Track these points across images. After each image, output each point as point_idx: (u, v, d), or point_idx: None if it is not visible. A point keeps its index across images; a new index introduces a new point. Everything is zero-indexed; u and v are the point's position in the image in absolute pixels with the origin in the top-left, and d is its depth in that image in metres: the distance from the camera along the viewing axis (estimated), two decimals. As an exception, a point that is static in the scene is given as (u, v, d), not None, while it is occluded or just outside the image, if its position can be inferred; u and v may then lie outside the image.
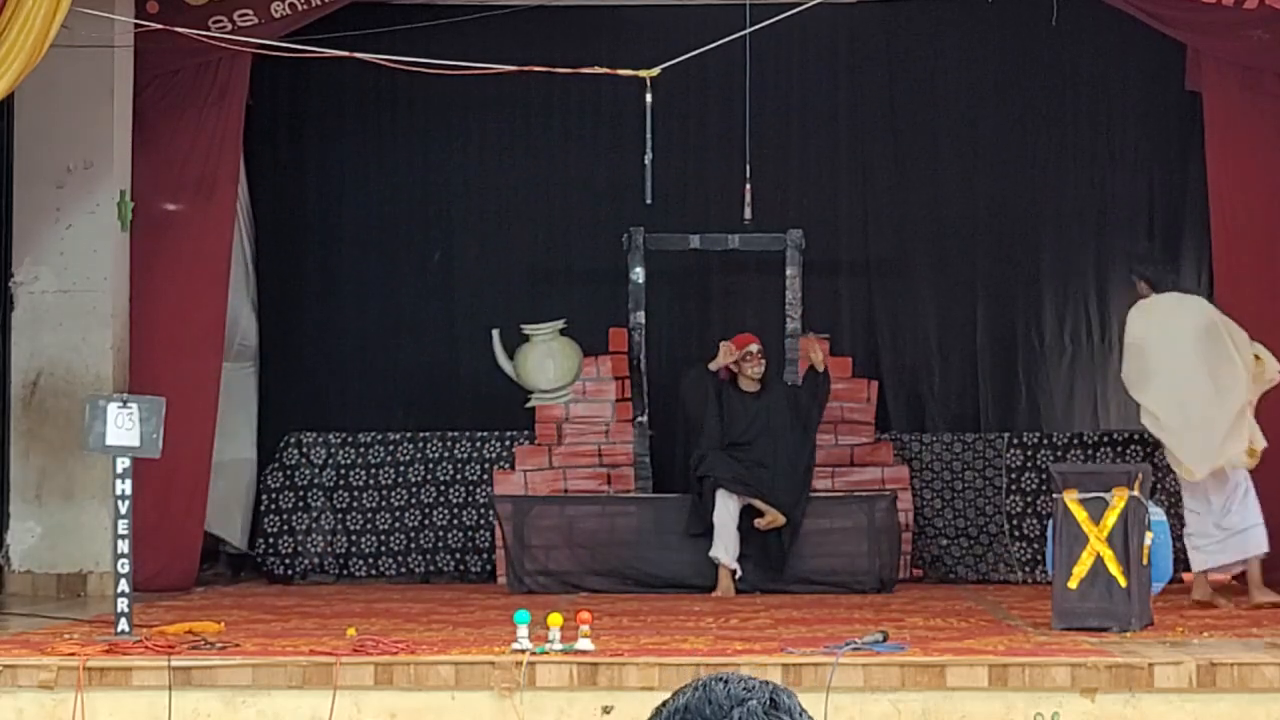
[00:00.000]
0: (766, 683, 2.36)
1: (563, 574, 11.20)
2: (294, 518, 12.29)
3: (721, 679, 2.36)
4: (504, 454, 12.30)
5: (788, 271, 11.94)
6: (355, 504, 12.36)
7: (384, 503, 12.35)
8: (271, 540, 12.27)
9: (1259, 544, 9.96)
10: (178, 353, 11.18)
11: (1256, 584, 9.93)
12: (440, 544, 12.32)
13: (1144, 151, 12.80)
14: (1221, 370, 9.99)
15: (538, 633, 7.63)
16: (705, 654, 7.70)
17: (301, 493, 12.33)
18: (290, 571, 12.19)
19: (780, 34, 10.72)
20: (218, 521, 12.12)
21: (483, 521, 12.25)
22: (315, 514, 12.29)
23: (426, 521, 12.34)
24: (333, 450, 12.39)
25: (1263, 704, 7.27)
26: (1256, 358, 10.09)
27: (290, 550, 12.25)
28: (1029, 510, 12.19)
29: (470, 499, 12.34)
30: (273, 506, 12.31)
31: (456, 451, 12.41)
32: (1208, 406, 9.90)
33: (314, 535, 12.26)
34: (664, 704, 2.36)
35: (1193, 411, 9.90)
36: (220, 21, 10.97)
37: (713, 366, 11.38)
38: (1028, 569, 11.95)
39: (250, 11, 11.05)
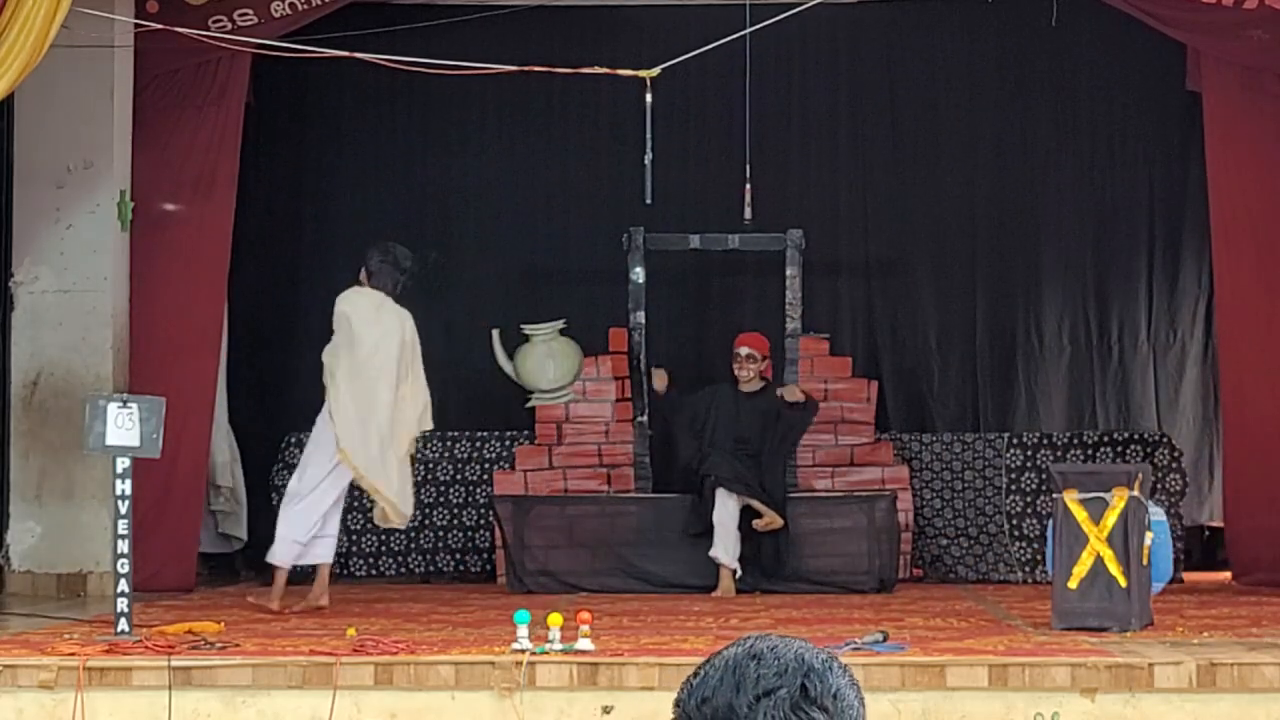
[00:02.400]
0: (801, 662, 2.22)
1: (563, 574, 11.19)
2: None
3: (755, 656, 2.22)
4: (504, 454, 12.30)
5: (788, 271, 11.94)
6: (356, 503, 12.33)
7: (384, 503, 12.33)
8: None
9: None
10: (176, 352, 11.18)
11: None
12: (440, 544, 12.32)
13: (1144, 151, 12.80)
14: (406, 394, 9.71)
15: (538, 633, 7.63)
16: (705, 654, 7.67)
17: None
18: (299, 568, 12.14)
19: (780, 34, 10.72)
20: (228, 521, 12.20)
21: (482, 521, 12.25)
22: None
23: (427, 522, 12.33)
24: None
25: (1263, 704, 7.27)
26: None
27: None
28: (1029, 510, 12.19)
29: (470, 499, 12.34)
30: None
31: (456, 451, 12.40)
32: (387, 427, 9.61)
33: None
34: (697, 674, 2.23)
35: (377, 426, 9.59)
36: (220, 21, 10.96)
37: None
38: (1028, 569, 11.95)
39: (250, 11, 11.05)
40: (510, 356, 11.99)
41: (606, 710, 7.35)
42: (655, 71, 9.56)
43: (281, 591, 9.76)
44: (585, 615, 7.70)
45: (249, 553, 12.41)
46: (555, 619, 7.68)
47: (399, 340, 9.77)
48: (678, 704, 2.23)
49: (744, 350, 11.42)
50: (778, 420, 11.41)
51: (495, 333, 12.01)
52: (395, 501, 9.86)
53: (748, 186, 10.48)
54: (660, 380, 11.54)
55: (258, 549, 12.39)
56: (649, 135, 9.40)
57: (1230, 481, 11.61)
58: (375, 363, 9.68)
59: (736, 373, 11.42)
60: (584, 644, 7.57)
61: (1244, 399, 11.37)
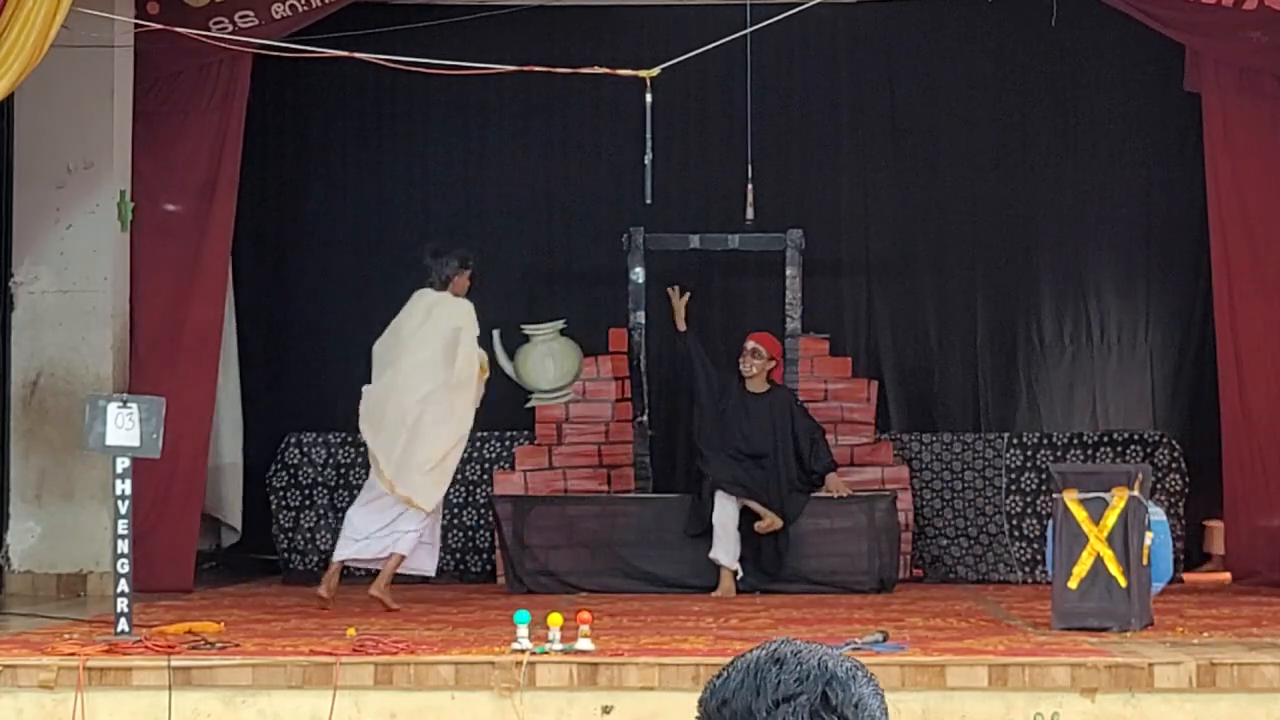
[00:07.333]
0: (824, 669, 2.17)
1: (563, 574, 11.20)
2: (302, 516, 12.28)
3: (778, 660, 2.18)
4: (504, 454, 12.30)
5: (788, 271, 11.94)
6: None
7: (385, 503, 12.32)
8: (288, 538, 12.26)
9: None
10: (176, 353, 11.18)
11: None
12: (440, 544, 12.30)
13: (1144, 152, 12.79)
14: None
15: (538, 633, 7.63)
16: (705, 654, 7.70)
17: (307, 492, 12.33)
18: (304, 568, 12.16)
19: (780, 34, 10.72)
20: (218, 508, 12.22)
21: (483, 521, 12.25)
22: (321, 512, 12.29)
23: (427, 521, 12.32)
24: (333, 450, 12.38)
25: (1263, 704, 7.28)
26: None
27: (302, 548, 12.24)
28: (1029, 510, 12.19)
29: (470, 499, 12.34)
30: (282, 505, 12.30)
31: (457, 451, 12.39)
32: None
33: (323, 534, 12.23)
34: (721, 674, 2.20)
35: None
36: (221, 22, 10.96)
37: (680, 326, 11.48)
38: (1028, 569, 11.95)
39: (251, 12, 11.05)
40: (510, 356, 11.99)
41: (606, 710, 7.35)
42: (655, 71, 9.56)
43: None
44: (585, 615, 7.71)
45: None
46: (555, 619, 7.68)
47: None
48: (700, 703, 2.22)
49: (750, 344, 11.43)
50: (792, 425, 11.39)
51: (495, 333, 12.00)
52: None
53: (750, 186, 10.49)
54: (679, 307, 11.48)
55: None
56: (649, 135, 9.40)
57: (1230, 481, 11.61)
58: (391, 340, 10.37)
59: (741, 368, 11.42)
60: (584, 644, 7.57)
61: (1243, 399, 11.38)
